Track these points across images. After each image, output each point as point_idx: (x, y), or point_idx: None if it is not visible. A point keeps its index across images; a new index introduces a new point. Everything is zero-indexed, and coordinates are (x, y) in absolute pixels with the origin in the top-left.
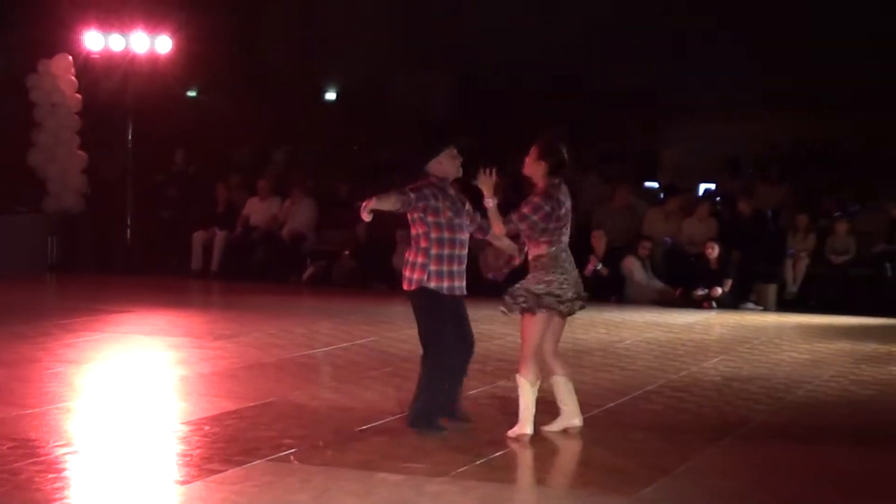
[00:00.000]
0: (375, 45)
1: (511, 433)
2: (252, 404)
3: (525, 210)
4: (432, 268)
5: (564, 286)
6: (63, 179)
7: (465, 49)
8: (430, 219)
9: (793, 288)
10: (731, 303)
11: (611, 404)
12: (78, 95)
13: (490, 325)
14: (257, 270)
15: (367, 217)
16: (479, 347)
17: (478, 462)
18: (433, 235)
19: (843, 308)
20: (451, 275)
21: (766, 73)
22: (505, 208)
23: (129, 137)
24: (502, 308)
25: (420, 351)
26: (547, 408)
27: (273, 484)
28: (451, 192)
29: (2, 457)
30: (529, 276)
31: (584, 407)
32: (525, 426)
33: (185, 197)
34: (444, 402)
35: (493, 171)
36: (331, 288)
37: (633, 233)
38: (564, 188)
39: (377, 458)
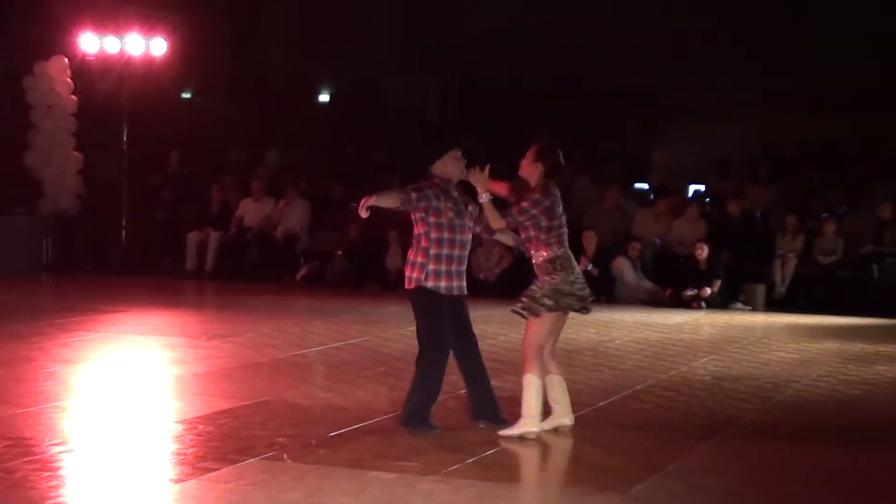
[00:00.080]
0: (369, 47)
1: (511, 432)
2: (246, 403)
3: (525, 204)
4: (431, 267)
5: (582, 286)
6: (59, 180)
7: (461, 49)
8: (431, 219)
9: (781, 288)
10: (721, 303)
11: (601, 403)
12: (74, 97)
13: (485, 326)
14: (251, 271)
15: (364, 214)
16: None
17: (469, 461)
18: (433, 235)
19: (831, 308)
20: (449, 275)
21: (764, 74)
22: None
23: (125, 139)
24: (523, 311)
25: (418, 351)
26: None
27: (266, 482)
28: (455, 193)
29: None
30: (545, 279)
31: (574, 406)
32: (531, 423)
33: (180, 198)
34: (433, 403)
35: (486, 167)
36: (324, 288)
37: (623, 233)
38: (558, 192)
39: (370, 456)
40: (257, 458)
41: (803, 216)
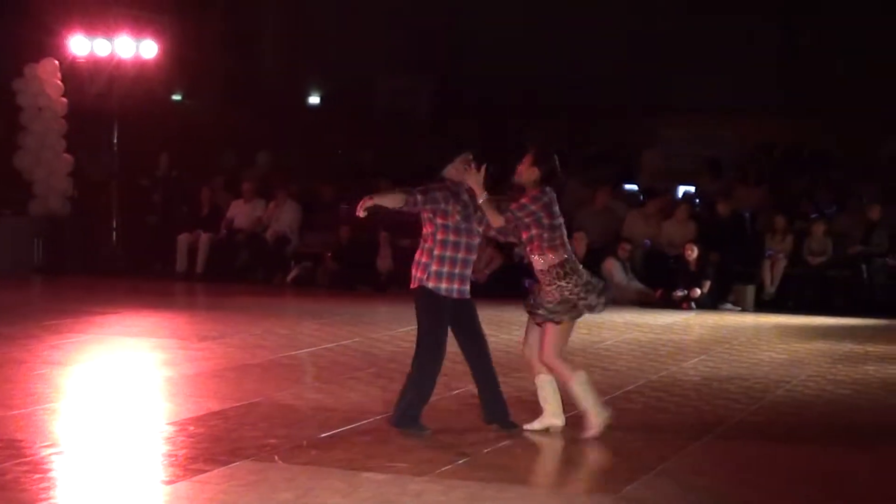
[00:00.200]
0: (360, 49)
1: (589, 432)
2: (237, 405)
3: (524, 200)
4: (433, 268)
5: (593, 286)
6: (49, 182)
7: (452, 51)
8: (438, 221)
9: (771, 289)
10: (710, 304)
11: None
12: (64, 99)
13: None
14: (242, 272)
15: (362, 214)
16: None
17: (461, 461)
18: (439, 237)
19: (820, 309)
20: (451, 277)
21: (752, 76)
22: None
23: (115, 141)
24: (550, 318)
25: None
26: (528, 406)
27: (258, 483)
28: (465, 197)
29: None
30: (551, 289)
31: (565, 407)
32: (598, 416)
33: (170, 201)
34: (425, 404)
35: (482, 167)
36: (315, 289)
37: (612, 235)
38: (554, 195)
39: (361, 457)
40: (248, 460)
41: (792, 217)
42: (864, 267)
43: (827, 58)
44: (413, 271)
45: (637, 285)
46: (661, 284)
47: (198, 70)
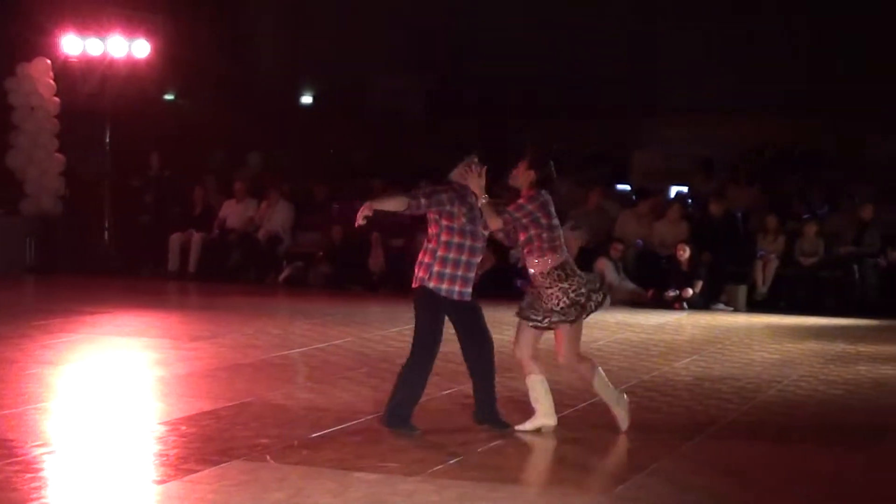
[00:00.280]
0: (353, 48)
1: (622, 426)
2: (228, 404)
3: (521, 201)
4: (435, 269)
5: (592, 284)
6: (41, 182)
7: (446, 51)
8: (444, 222)
9: (763, 289)
10: (702, 304)
11: (583, 404)
12: (56, 98)
13: None
14: (234, 272)
15: (361, 221)
16: (454, 347)
17: (452, 461)
18: (443, 238)
19: (812, 309)
20: (452, 278)
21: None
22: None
23: (107, 140)
24: (565, 320)
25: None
26: (521, 407)
27: (249, 483)
28: (471, 199)
29: None
30: (553, 291)
31: (557, 407)
32: (620, 407)
33: (161, 201)
34: (416, 403)
35: (483, 171)
36: (307, 289)
37: (605, 235)
38: (550, 198)
39: (352, 457)
40: (240, 460)
41: (784, 217)
42: (855, 267)
43: (827, 58)
44: (415, 271)
45: (629, 285)
46: (652, 284)
47: (190, 69)
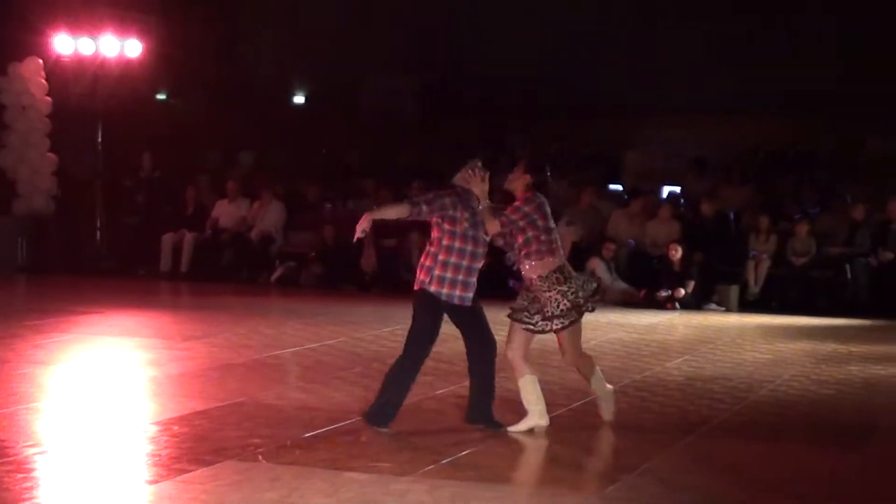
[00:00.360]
0: (346, 48)
1: (604, 417)
2: (221, 404)
3: (517, 203)
4: (436, 273)
5: (587, 286)
6: (33, 181)
7: (439, 51)
8: (446, 226)
9: (754, 289)
10: (694, 304)
11: (576, 404)
12: (48, 98)
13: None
14: (226, 272)
15: (360, 235)
16: (445, 347)
17: (444, 461)
18: (445, 242)
19: (803, 309)
20: (453, 283)
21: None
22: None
23: (99, 140)
24: (564, 325)
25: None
26: (514, 407)
27: (242, 483)
28: (475, 204)
29: None
30: (551, 294)
31: (549, 407)
32: (609, 406)
33: (153, 201)
34: (400, 403)
35: (486, 175)
36: (299, 289)
37: (597, 234)
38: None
39: (345, 457)
40: (232, 460)
41: (776, 217)
42: (847, 267)
43: (827, 58)
44: (417, 274)
45: (621, 285)
46: (645, 284)
47: (182, 69)
